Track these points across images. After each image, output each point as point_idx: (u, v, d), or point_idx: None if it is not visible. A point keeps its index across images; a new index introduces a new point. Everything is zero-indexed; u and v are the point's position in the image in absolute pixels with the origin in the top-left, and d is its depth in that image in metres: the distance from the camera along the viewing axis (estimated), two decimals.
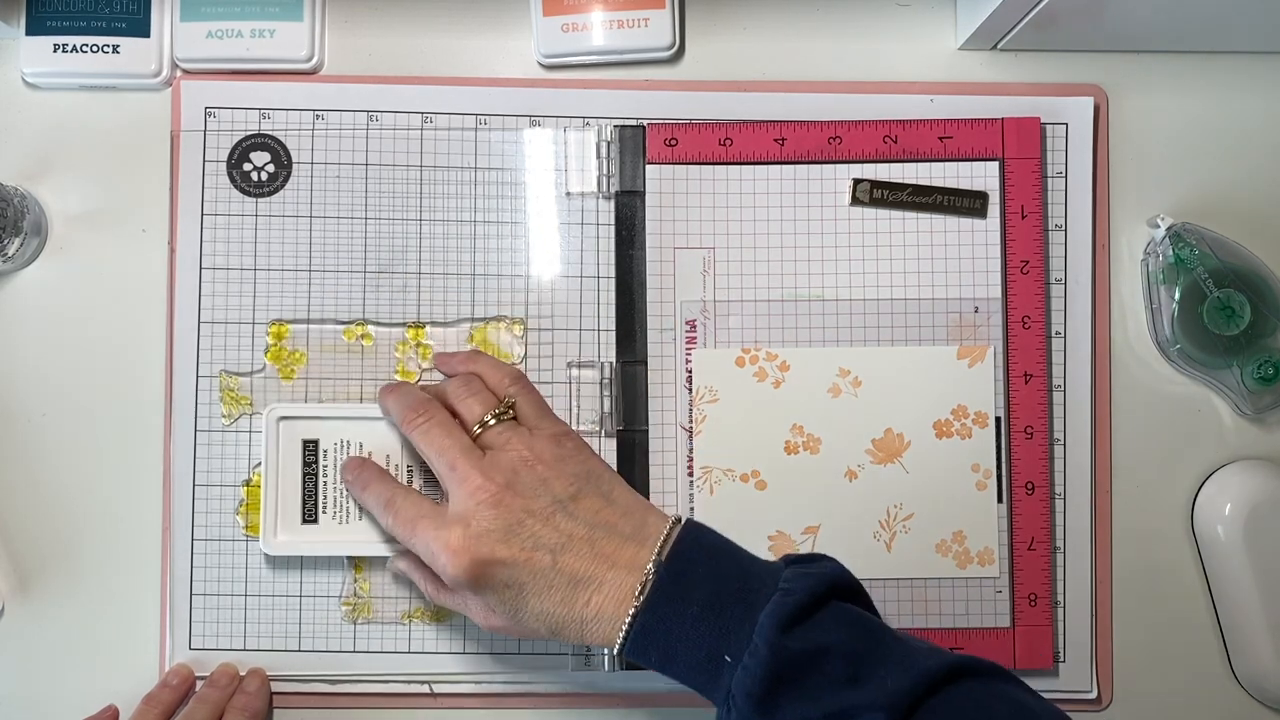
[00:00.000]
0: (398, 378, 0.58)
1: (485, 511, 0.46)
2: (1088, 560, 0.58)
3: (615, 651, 0.45)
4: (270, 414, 0.55)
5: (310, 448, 0.55)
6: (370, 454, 0.55)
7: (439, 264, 0.59)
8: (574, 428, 0.54)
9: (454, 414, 0.51)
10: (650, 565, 0.45)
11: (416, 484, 0.56)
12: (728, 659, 0.43)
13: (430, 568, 0.49)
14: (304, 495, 0.55)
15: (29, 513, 0.59)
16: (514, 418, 0.51)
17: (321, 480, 0.55)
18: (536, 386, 0.53)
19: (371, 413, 0.55)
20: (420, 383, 0.57)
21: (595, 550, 0.46)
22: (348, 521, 0.55)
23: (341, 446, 0.55)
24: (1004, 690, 0.43)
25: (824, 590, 0.44)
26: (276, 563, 0.57)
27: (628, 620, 0.44)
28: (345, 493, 0.55)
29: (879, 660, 0.42)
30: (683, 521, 0.47)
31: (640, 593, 0.44)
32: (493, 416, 0.50)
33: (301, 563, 0.58)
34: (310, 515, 0.55)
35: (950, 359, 0.58)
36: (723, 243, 0.58)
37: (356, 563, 0.58)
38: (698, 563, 0.45)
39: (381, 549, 0.55)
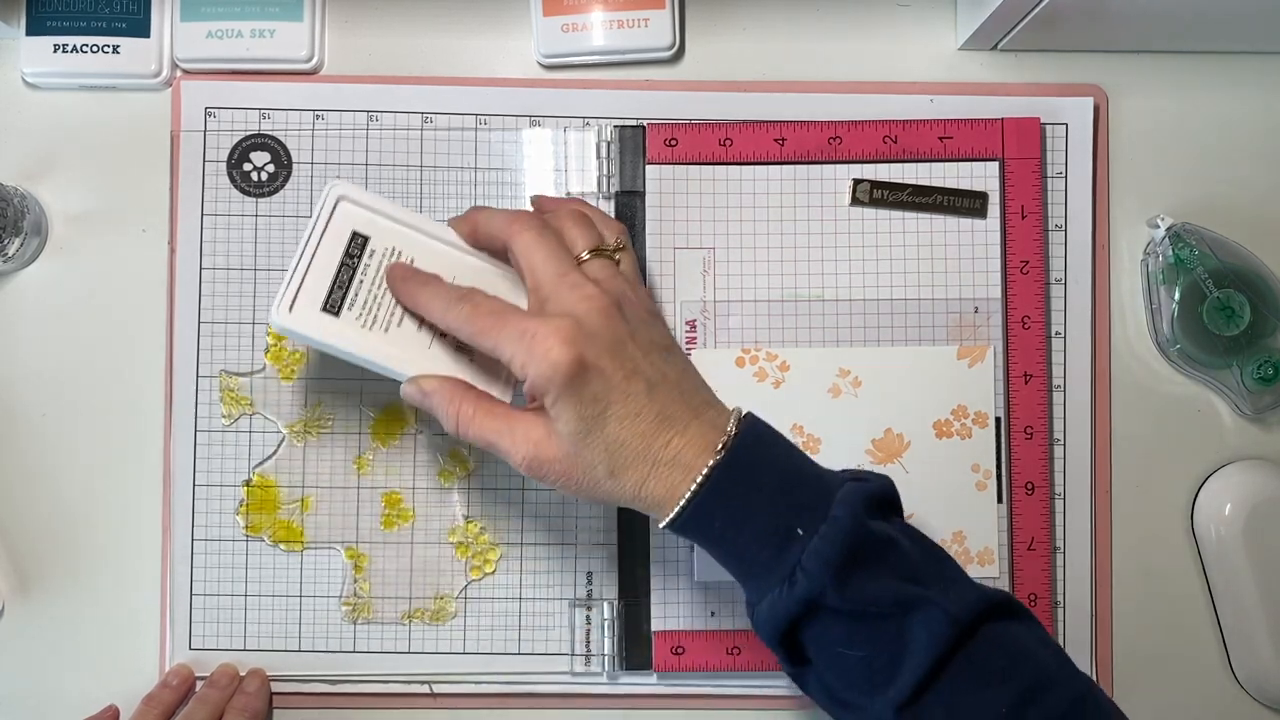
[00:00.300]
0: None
1: (597, 317, 0.44)
2: (1088, 560, 0.58)
3: (676, 511, 0.43)
4: (331, 189, 0.49)
5: (358, 241, 0.49)
6: None
7: None
8: None
9: None
10: (732, 425, 0.44)
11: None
12: (800, 532, 0.42)
13: (455, 394, 0.46)
14: (334, 283, 0.49)
15: (29, 512, 0.59)
16: (617, 263, 0.48)
17: (358, 278, 0.49)
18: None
19: (439, 233, 0.50)
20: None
21: (684, 398, 0.44)
22: (370, 328, 0.49)
23: (391, 254, 0.50)
24: (1046, 637, 0.44)
25: (889, 491, 0.45)
26: (277, 562, 0.57)
27: (705, 471, 0.43)
28: (378, 300, 0.49)
29: (942, 575, 0.43)
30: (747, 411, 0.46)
31: (722, 447, 0.43)
32: (593, 252, 0.47)
33: (301, 562, 0.58)
34: (333, 307, 0.49)
35: (950, 359, 0.58)
36: (723, 243, 0.58)
37: (356, 563, 0.58)
38: (769, 444, 0.45)
39: (399, 366, 0.49)
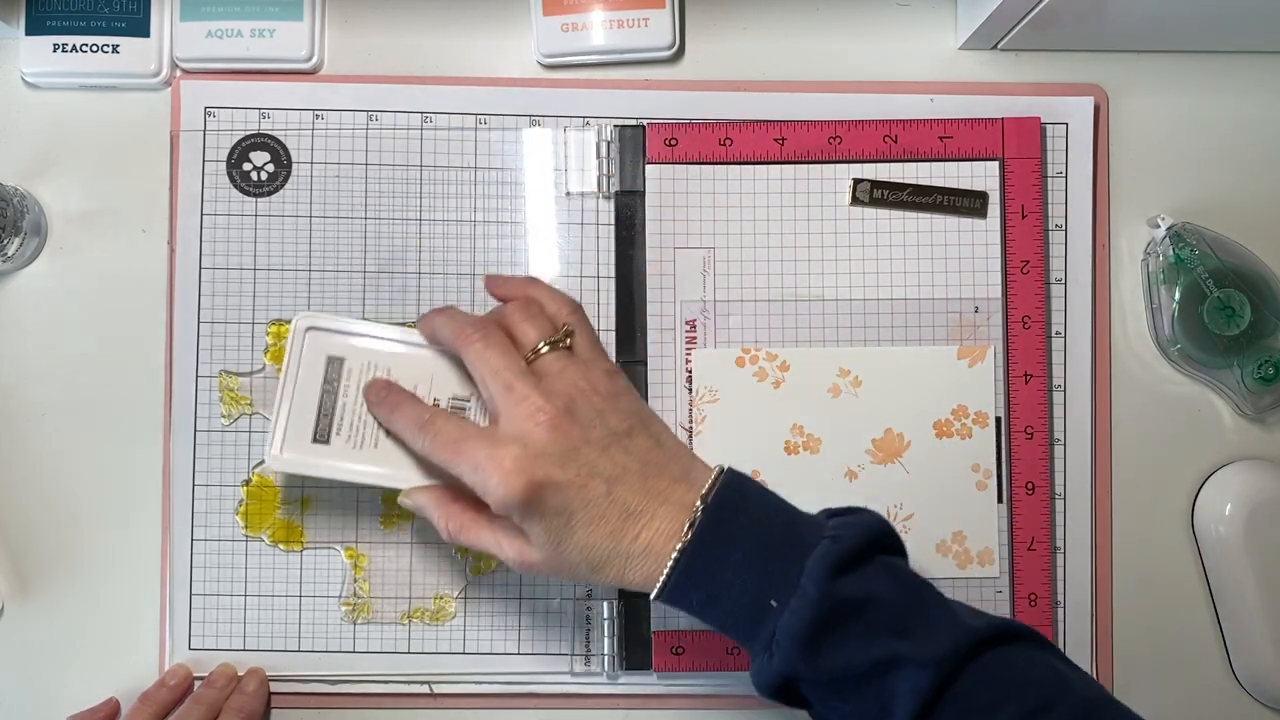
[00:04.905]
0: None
1: (543, 433, 0.45)
2: (1088, 560, 0.58)
3: (655, 593, 0.45)
4: (299, 322, 0.51)
5: (334, 365, 0.51)
6: (397, 381, 0.52)
7: (439, 264, 0.58)
8: None
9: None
10: (699, 504, 0.44)
11: None
12: (773, 604, 0.43)
13: (445, 509, 0.48)
14: (319, 413, 0.51)
15: (29, 513, 0.58)
16: (569, 347, 0.49)
17: (340, 401, 0.51)
18: None
19: (407, 337, 0.52)
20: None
21: (647, 486, 0.45)
22: (361, 448, 0.51)
23: (368, 369, 0.51)
24: (1043, 658, 0.43)
25: (871, 540, 0.44)
26: (276, 562, 0.57)
27: (674, 556, 0.44)
28: (363, 419, 0.51)
29: (925, 617, 0.43)
30: (726, 470, 0.46)
31: (689, 529, 0.44)
32: (547, 344, 0.48)
33: (301, 562, 0.58)
34: (322, 436, 0.51)
35: (950, 359, 0.58)
36: (723, 243, 0.58)
37: (356, 563, 0.58)
38: (744, 508, 0.45)
39: (394, 482, 0.51)
